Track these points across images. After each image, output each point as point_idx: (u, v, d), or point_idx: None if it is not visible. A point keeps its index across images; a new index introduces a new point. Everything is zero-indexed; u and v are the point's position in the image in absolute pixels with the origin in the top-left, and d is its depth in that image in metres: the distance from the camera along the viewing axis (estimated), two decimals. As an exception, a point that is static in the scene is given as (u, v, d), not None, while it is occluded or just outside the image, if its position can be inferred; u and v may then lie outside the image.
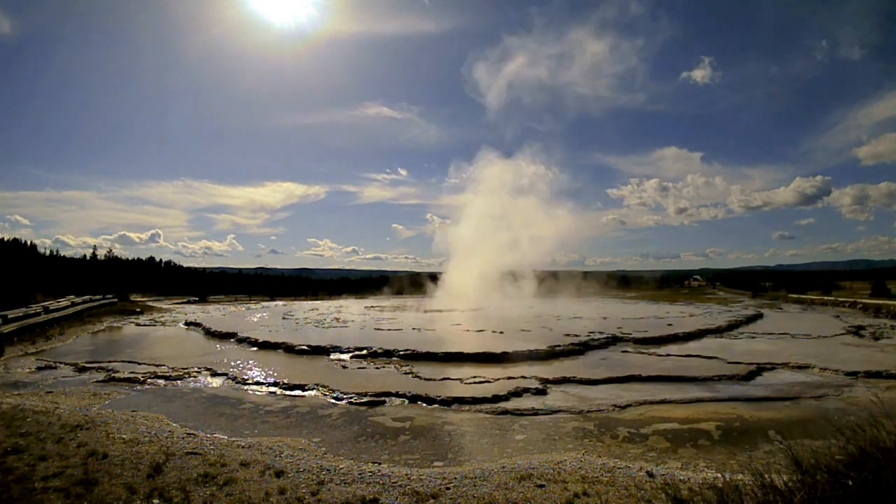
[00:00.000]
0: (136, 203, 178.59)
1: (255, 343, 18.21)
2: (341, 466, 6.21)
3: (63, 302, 27.32)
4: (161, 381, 12.17)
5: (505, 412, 9.34)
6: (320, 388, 11.23)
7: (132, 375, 12.59)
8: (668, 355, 15.23)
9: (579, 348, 16.23)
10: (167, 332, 23.29)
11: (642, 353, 15.86)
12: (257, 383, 11.90)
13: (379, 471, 6.08)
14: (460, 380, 11.87)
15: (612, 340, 17.99)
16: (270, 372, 13.21)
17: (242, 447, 6.98)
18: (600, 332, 19.31)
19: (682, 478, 5.76)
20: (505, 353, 14.84)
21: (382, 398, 10.33)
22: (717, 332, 20.96)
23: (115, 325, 25.81)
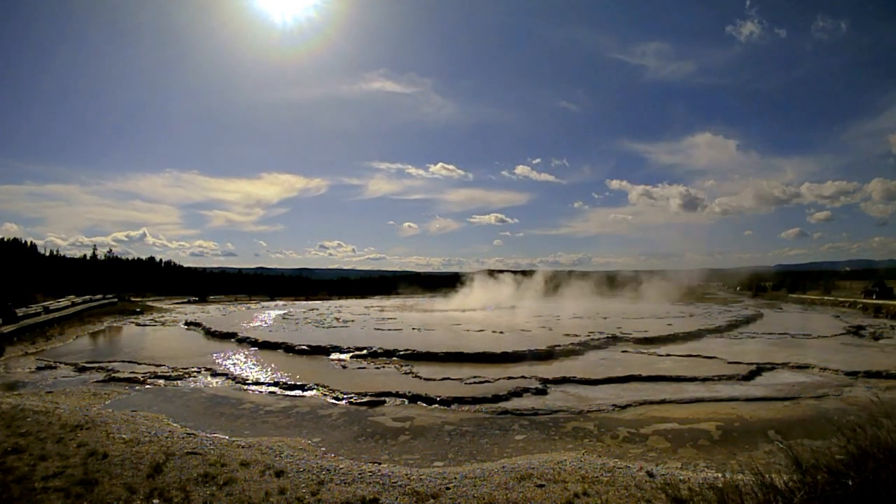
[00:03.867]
0: (125, 198, 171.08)
1: (255, 343, 18.21)
2: (341, 466, 6.21)
3: (63, 302, 27.30)
4: (161, 382, 12.16)
5: (505, 412, 9.34)
6: (320, 388, 11.23)
7: (132, 375, 12.59)
8: (668, 355, 15.22)
9: (579, 348, 16.23)
10: (167, 332, 23.29)
11: (642, 353, 15.85)
12: (257, 383, 11.90)
13: (379, 471, 6.08)
14: (460, 380, 11.86)
15: (612, 340, 17.99)
16: (270, 372, 13.21)
17: (242, 447, 6.98)
18: (600, 332, 19.31)
19: (682, 478, 5.75)
20: (505, 353, 14.85)
21: (382, 398, 10.33)
22: (717, 332, 20.97)
23: (115, 325, 25.81)
